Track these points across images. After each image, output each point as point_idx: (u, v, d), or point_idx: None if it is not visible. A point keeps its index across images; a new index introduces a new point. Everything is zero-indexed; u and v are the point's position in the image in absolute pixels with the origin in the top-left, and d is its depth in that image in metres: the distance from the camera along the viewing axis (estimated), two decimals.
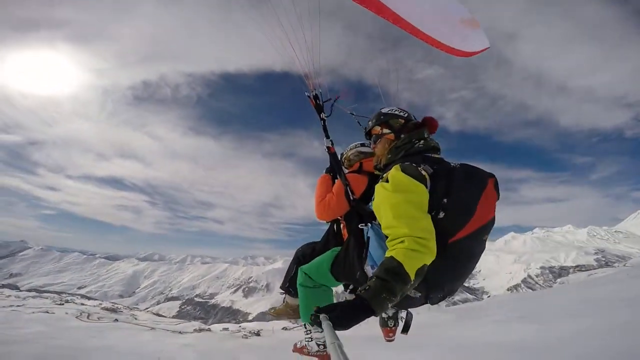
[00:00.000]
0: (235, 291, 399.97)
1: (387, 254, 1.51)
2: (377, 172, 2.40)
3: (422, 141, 2.07)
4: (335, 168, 2.64)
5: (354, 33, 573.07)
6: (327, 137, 2.69)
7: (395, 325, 2.94)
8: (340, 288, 2.64)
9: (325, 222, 2.74)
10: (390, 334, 2.98)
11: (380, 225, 1.83)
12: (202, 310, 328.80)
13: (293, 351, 2.58)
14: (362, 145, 2.90)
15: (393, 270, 1.42)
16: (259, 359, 14.68)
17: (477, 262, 1.91)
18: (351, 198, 2.37)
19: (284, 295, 3.00)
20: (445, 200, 1.71)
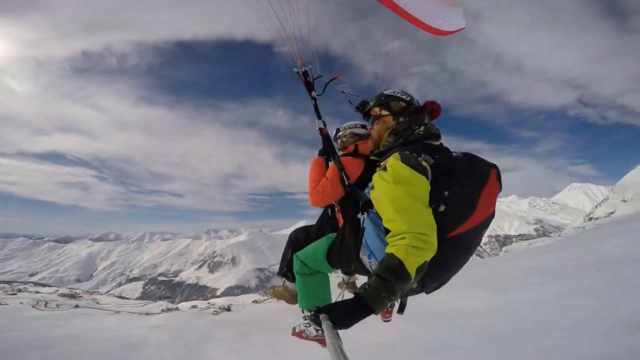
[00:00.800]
0: (200, 267, 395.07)
1: (388, 250, 1.48)
2: (373, 158, 2.32)
3: (422, 127, 1.97)
4: (328, 151, 2.51)
5: (326, 1, 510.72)
6: (319, 117, 2.58)
7: (392, 305, 2.81)
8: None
9: (320, 208, 2.65)
10: (387, 315, 2.97)
11: (377, 214, 1.82)
12: (167, 289, 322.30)
13: (292, 335, 2.55)
14: (357, 126, 2.73)
15: (393, 269, 1.39)
16: (233, 335, 15.24)
17: (472, 254, 1.90)
18: (346, 183, 2.29)
19: (283, 279, 2.92)
20: (446, 193, 1.66)
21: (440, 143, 1.94)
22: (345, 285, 2.61)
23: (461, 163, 1.76)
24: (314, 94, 2.61)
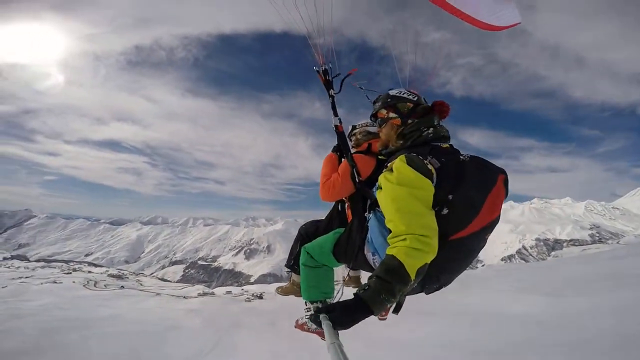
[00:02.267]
0: (237, 253, 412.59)
1: (388, 252, 1.47)
2: (381, 158, 2.36)
3: (431, 129, 1.93)
4: (342, 148, 2.55)
5: None
6: (336, 115, 2.60)
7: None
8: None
9: (330, 202, 2.69)
10: (383, 313, 2.96)
11: (383, 214, 1.76)
12: (205, 273, 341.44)
13: (295, 327, 2.62)
14: (372, 125, 2.68)
15: (394, 270, 1.39)
16: (262, 323, 15.09)
17: (475, 257, 1.84)
18: (357, 180, 2.31)
19: (290, 273, 3.00)
20: (451, 196, 1.64)
21: (450, 145, 1.91)
22: (347, 279, 2.71)
23: (469, 167, 1.74)
24: (331, 92, 2.64)
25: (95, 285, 44.38)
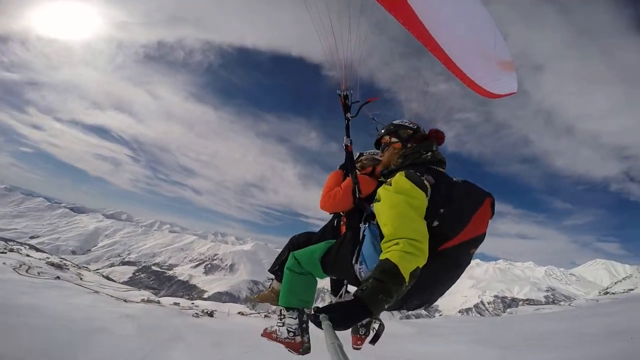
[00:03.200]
0: (197, 266, 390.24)
1: (382, 256, 1.55)
2: (381, 179, 2.56)
3: (429, 153, 2.18)
4: (348, 166, 2.75)
5: (380, 32, 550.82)
6: (348, 136, 2.80)
7: (366, 334, 2.97)
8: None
9: (327, 213, 2.80)
10: (359, 342, 3.02)
11: (377, 226, 1.94)
12: (156, 280, 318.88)
13: (262, 335, 2.58)
14: (377, 154, 2.94)
15: (389, 272, 1.46)
16: (207, 343, 13.48)
17: (460, 274, 1.97)
18: (357, 196, 2.49)
19: (270, 280, 3.08)
20: (442, 210, 1.81)
21: (444, 171, 2.13)
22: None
23: (459, 188, 1.93)
24: (348, 115, 2.83)
25: (27, 271, 39.81)
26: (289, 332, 2.39)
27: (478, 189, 1.96)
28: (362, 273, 2.05)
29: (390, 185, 1.86)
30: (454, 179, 1.99)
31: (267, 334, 2.53)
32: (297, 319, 2.44)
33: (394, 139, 2.37)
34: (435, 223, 1.76)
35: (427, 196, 1.80)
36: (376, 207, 1.90)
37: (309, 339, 2.47)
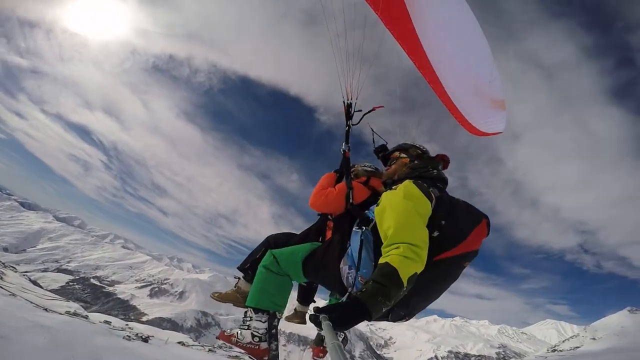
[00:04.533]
0: (143, 287, 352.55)
1: (382, 260, 1.56)
2: (382, 189, 2.52)
3: (435, 171, 2.26)
4: (344, 171, 2.81)
5: (378, 84, 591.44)
6: (347, 142, 2.92)
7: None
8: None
9: (316, 212, 2.78)
10: (321, 355, 3.00)
11: (371, 232, 2.00)
12: (91, 293, 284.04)
13: (218, 338, 2.37)
14: (372, 167, 3.05)
15: (389, 275, 1.46)
16: None
17: (448, 286, 2.00)
18: (350, 201, 2.47)
19: (237, 279, 2.93)
20: (443, 222, 1.85)
21: (446, 190, 2.19)
22: (293, 313, 2.99)
23: (461, 205, 2.03)
24: (350, 122, 2.98)
25: None
26: (253, 336, 2.21)
27: (476, 209, 2.04)
28: (349, 278, 2.04)
29: (396, 190, 1.89)
30: (455, 198, 2.09)
31: (225, 337, 2.30)
32: (267, 323, 2.26)
33: (403, 155, 2.45)
34: (436, 233, 1.79)
35: (432, 206, 1.84)
36: (378, 211, 1.92)
37: (277, 346, 2.28)
